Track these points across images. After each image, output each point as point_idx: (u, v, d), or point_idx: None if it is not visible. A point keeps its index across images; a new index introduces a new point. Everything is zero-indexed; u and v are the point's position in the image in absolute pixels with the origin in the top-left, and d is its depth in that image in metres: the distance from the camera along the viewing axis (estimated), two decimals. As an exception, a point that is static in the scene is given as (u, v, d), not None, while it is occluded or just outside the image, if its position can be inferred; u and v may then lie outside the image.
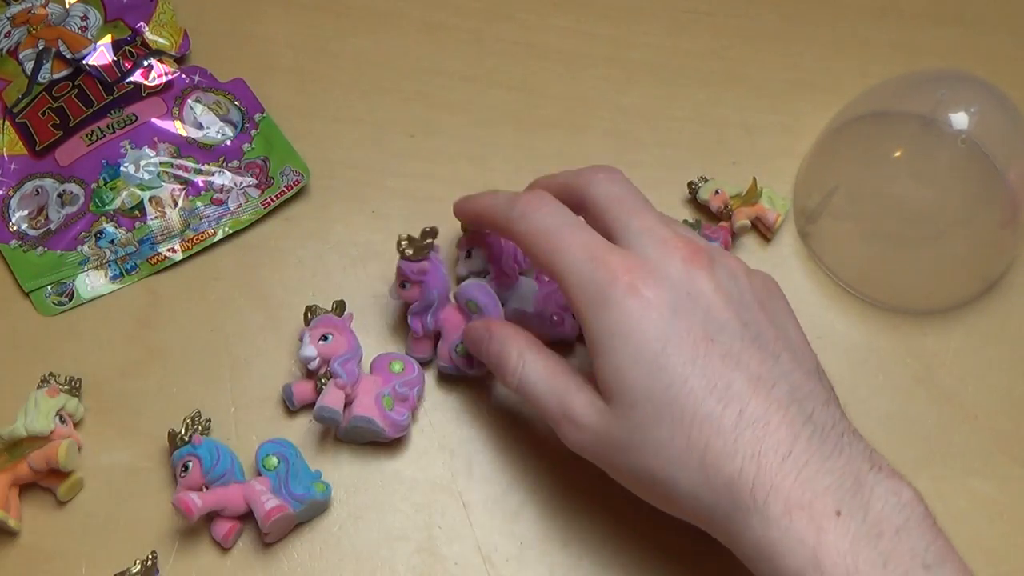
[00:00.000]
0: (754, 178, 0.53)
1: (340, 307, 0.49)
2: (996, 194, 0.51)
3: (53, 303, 0.51)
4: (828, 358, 0.52)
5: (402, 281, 0.48)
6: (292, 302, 0.51)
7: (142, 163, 0.53)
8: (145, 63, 0.56)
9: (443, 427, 0.49)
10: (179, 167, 0.54)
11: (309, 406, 0.47)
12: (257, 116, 0.55)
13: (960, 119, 0.49)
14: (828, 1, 0.62)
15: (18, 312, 0.51)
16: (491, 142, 0.57)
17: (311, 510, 0.45)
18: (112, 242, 0.52)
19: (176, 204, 0.53)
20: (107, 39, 0.57)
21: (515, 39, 0.60)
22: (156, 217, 0.52)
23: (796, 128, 0.57)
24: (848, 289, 0.53)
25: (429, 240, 0.47)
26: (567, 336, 0.50)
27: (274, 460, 0.45)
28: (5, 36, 0.58)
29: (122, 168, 0.53)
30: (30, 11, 0.58)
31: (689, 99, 0.59)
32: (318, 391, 0.47)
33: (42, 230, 0.52)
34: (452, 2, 0.61)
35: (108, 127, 0.54)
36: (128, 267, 0.51)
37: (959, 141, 0.49)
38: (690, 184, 0.54)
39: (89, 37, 0.57)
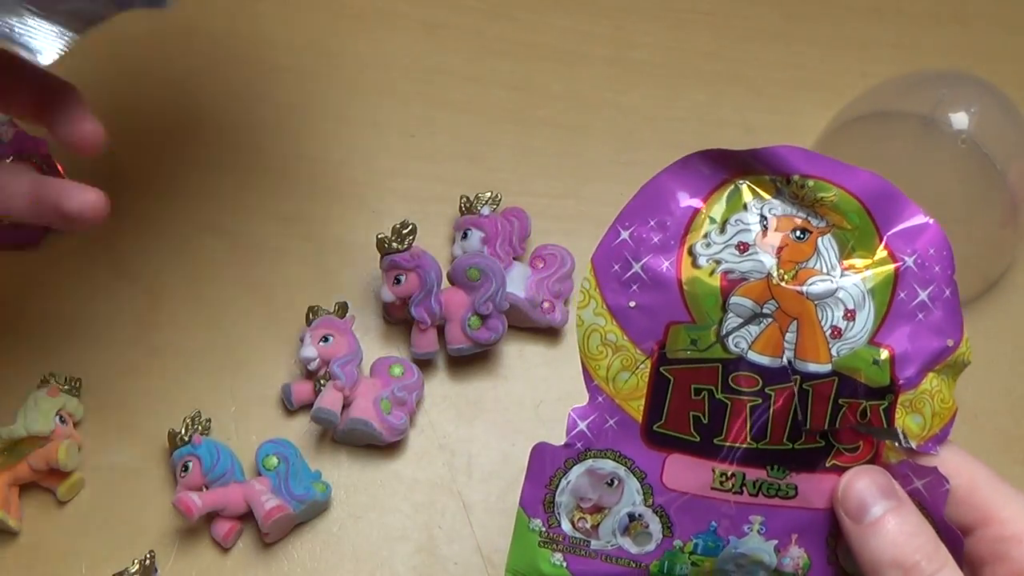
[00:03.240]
0: (754, 178, 0.53)
1: (342, 309, 0.49)
2: (996, 194, 0.51)
3: None
4: (828, 358, 0.52)
5: (396, 276, 0.48)
6: (292, 302, 0.51)
7: (749, 563, 0.33)
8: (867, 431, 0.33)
9: (443, 427, 0.49)
10: None
11: (308, 406, 0.47)
12: None
13: (960, 119, 0.49)
14: (828, 1, 0.62)
15: (18, 312, 0.51)
16: (491, 142, 0.57)
17: (311, 510, 0.45)
18: None
19: None
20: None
21: (515, 39, 0.60)
22: None
23: (796, 128, 0.57)
24: (848, 289, 0.53)
25: (410, 226, 0.47)
26: (557, 324, 0.50)
27: (274, 460, 0.45)
28: (733, 250, 0.34)
29: (730, 550, 0.33)
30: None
31: (689, 99, 0.59)
32: (317, 392, 0.47)
33: (579, 535, 0.34)
34: (452, 2, 0.61)
35: (755, 485, 0.33)
36: None
37: (959, 141, 0.49)
38: (690, 184, 0.54)
39: (836, 353, 0.33)
